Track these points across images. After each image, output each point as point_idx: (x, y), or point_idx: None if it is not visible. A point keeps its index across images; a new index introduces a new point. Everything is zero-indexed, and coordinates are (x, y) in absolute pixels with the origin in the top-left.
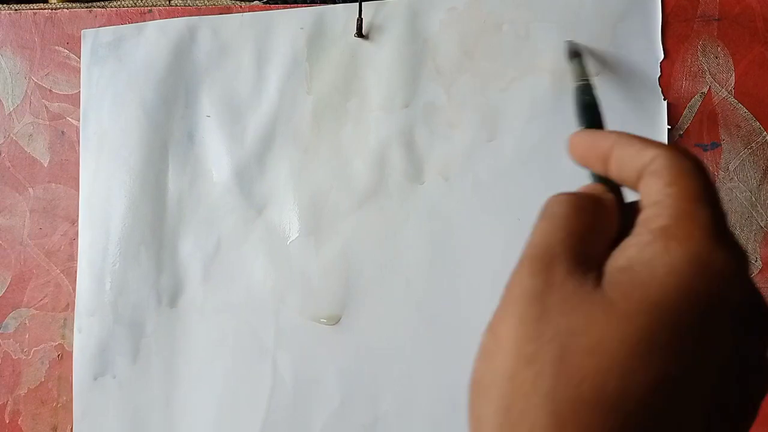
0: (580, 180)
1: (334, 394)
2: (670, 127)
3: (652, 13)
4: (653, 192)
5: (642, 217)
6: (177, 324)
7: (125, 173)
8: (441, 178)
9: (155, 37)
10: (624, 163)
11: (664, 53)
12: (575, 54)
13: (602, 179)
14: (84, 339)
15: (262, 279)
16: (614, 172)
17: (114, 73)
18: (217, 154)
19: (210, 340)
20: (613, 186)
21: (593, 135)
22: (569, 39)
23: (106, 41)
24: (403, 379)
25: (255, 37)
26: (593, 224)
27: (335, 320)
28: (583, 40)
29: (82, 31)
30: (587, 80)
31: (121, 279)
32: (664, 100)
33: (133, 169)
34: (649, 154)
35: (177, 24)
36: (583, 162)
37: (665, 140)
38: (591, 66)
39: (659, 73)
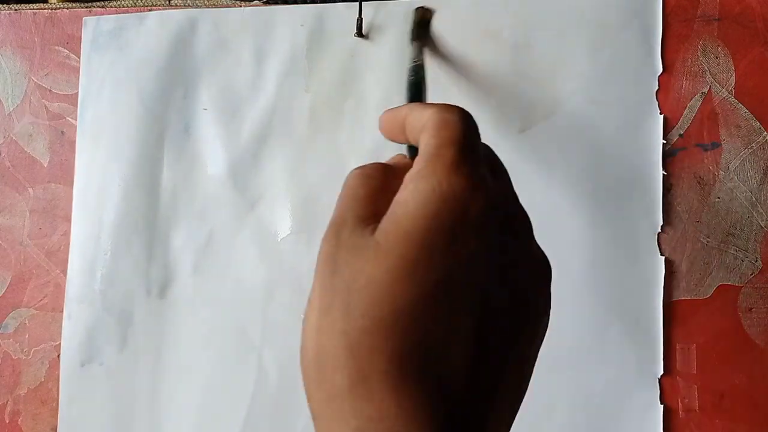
0: (574, 189)
1: None
2: (665, 141)
3: (653, 25)
4: (422, 145)
5: (411, 169)
6: (165, 315)
7: (120, 163)
8: None
9: (156, 27)
10: (413, 127)
11: (664, 54)
12: (419, 34)
13: (411, 149)
14: (72, 326)
15: (252, 274)
16: (409, 137)
17: (113, 62)
18: (212, 148)
19: (197, 333)
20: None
21: (393, 110)
22: (422, 6)
23: (107, 29)
24: None
25: (255, 32)
26: (379, 187)
27: None
28: (582, 48)
29: (84, 18)
30: (420, 62)
31: (111, 268)
32: (660, 114)
33: (129, 158)
34: (426, 115)
35: (178, 16)
36: (388, 136)
37: (660, 155)
38: (431, 45)
39: (657, 87)
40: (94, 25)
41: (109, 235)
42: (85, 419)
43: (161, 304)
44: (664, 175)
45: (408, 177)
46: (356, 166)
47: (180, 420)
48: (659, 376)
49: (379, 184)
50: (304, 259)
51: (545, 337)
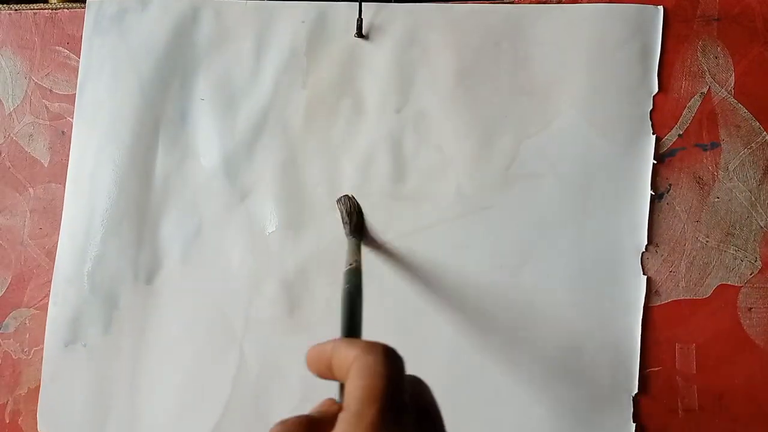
0: (561, 204)
1: (297, 389)
2: (656, 161)
3: (652, 45)
4: (347, 393)
5: (336, 423)
6: (151, 301)
7: (115, 147)
8: (424, 186)
9: (158, 13)
10: (339, 366)
11: (663, 54)
12: (355, 227)
13: (342, 388)
14: (59, 305)
15: (238, 266)
16: (337, 377)
17: (114, 46)
18: (207, 138)
19: (181, 321)
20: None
21: (318, 348)
22: (345, 195)
23: (109, 13)
24: None
25: (256, 26)
26: None
27: (306, 315)
28: (579, 64)
29: (87, 1)
30: (357, 264)
31: (100, 250)
32: (653, 134)
33: (124, 143)
34: (351, 355)
35: (181, 3)
36: (316, 372)
37: (649, 176)
38: (368, 237)
39: (651, 107)
40: (96, 9)
41: (100, 219)
42: (66, 398)
43: (148, 290)
44: (652, 194)
45: None
46: (278, 422)
47: (159, 405)
48: (633, 395)
49: None
50: (290, 255)
51: (523, 353)
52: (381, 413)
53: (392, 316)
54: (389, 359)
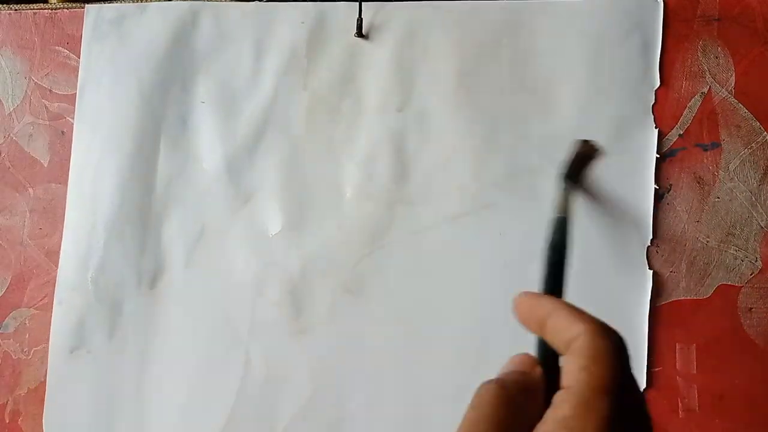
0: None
1: (303, 390)
2: (659, 155)
3: (653, 39)
4: (569, 373)
5: (554, 400)
6: (155, 306)
7: (117, 152)
8: (427, 185)
9: (157, 17)
10: (556, 334)
11: (663, 55)
12: (572, 173)
13: (541, 342)
14: (63, 312)
15: (242, 269)
16: (549, 340)
17: (114, 51)
18: (208, 141)
19: (186, 325)
20: (548, 352)
21: (534, 300)
22: (584, 143)
23: (108, 18)
24: (373, 382)
25: (256, 28)
26: (516, 412)
27: (311, 317)
28: (581, 59)
29: (86, 6)
30: (565, 215)
31: (104, 257)
32: (656, 128)
33: (125, 148)
34: (575, 330)
35: (179, 7)
36: (524, 324)
37: (653, 170)
38: (584, 191)
39: (653, 101)
40: (95, 14)
41: (102, 225)
42: (71, 404)
43: (151, 295)
44: (656, 188)
45: (552, 417)
46: (491, 380)
47: (164, 410)
48: (642, 390)
49: (515, 410)
50: (294, 257)
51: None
52: (612, 408)
53: (402, 316)
54: (621, 350)
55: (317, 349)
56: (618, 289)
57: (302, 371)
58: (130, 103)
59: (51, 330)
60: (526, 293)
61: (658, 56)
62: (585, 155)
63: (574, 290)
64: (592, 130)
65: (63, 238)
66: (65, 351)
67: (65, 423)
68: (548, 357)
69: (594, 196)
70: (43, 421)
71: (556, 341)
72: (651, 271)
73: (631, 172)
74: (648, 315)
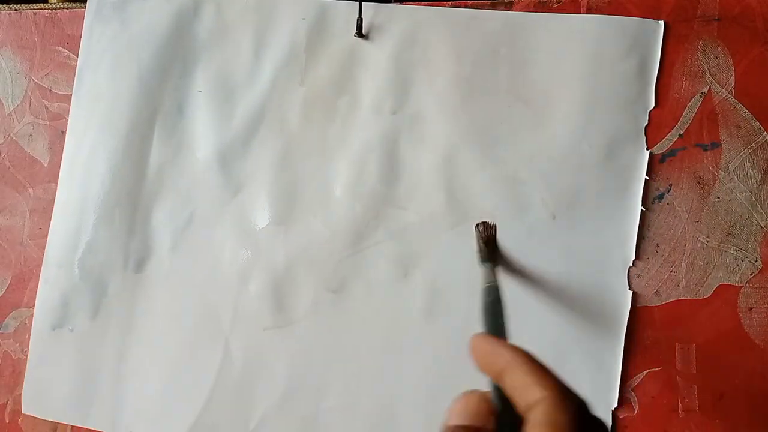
0: (551, 214)
1: (280, 382)
2: (647, 177)
3: (651, 59)
4: (530, 429)
5: None
6: (139, 289)
7: (111, 135)
8: (416, 190)
9: (160, 3)
10: (514, 391)
11: (663, 55)
12: (487, 254)
13: (498, 393)
14: (48, 290)
15: (228, 260)
16: (507, 394)
17: (115, 35)
18: (203, 130)
19: (169, 311)
20: (505, 401)
21: (491, 347)
22: (485, 222)
23: (111, 1)
24: (349, 380)
25: (257, 21)
26: None
27: (292, 312)
28: (577, 75)
29: None
30: (494, 283)
31: (92, 237)
32: (647, 150)
33: (120, 131)
34: (536, 394)
35: None
36: (482, 371)
37: (640, 192)
38: (503, 262)
39: (647, 122)
40: None
41: (92, 205)
42: (51, 381)
43: (137, 279)
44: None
45: None
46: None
47: (143, 392)
48: (613, 408)
49: None
50: (280, 251)
51: None
52: None
53: (382, 318)
54: (583, 419)
55: (296, 343)
56: (596, 308)
57: (280, 364)
58: (127, 86)
59: (35, 306)
60: (483, 337)
61: (655, 77)
62: (489, 237)
63: (554, 307)
64: (584, 146)
65: (52, 217)
66: (47, 328)
67: (44, 399)
68: (504, 405)
69: (514, 265)
70: (22, 395)
71: (514, 397)
72: (631, 292)
73: (620, 191)
74: (624, 337)
